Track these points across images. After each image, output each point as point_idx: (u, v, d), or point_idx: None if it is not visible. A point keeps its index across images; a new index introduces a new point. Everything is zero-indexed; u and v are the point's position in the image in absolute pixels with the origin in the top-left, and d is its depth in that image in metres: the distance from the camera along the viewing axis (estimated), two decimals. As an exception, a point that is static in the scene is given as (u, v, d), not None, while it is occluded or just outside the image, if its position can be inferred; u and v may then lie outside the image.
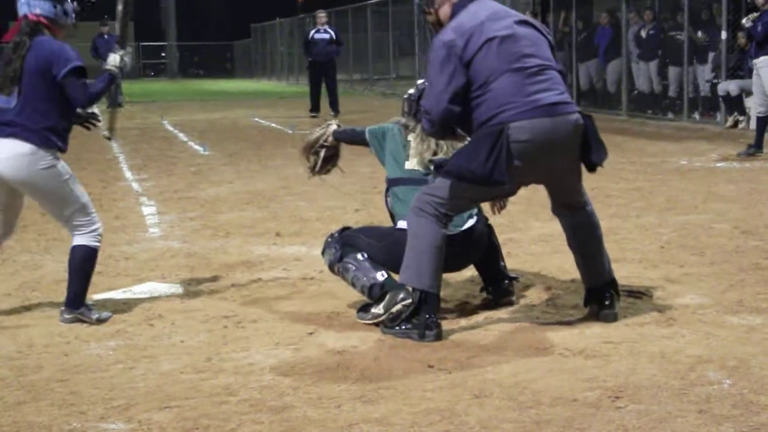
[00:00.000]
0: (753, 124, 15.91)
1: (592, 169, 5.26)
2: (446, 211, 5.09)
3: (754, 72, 12.82)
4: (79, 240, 5.55)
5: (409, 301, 5.08)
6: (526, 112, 4.94)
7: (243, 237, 8.07)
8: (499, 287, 5.71)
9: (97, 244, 5.60)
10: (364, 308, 5.40)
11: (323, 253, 5.70)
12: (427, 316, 5.05)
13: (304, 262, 6.96)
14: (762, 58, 12.55)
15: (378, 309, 5.29)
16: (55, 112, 5.42)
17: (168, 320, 5.57)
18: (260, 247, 7.66)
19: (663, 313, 5.44)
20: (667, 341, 4.94)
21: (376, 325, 5.25)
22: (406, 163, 5.58)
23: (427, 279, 5.07)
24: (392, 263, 5.41)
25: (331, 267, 5.63)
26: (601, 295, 5.37)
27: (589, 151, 5.17)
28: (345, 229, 5.75)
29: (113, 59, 5.64)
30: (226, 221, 8.83)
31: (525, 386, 4.33)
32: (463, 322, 5.35)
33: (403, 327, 5.09)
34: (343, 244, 5.57)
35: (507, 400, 4.17)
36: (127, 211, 9.59)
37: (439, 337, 5.05)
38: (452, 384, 4.39)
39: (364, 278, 5.42)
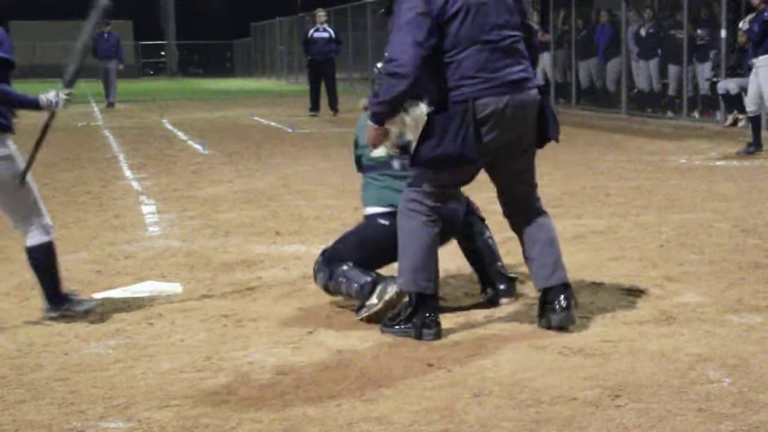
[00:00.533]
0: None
1: (542, 144, 5.23)
2: (432, 202, 5.06)
3: (753, 71, 12.83)
4: (33, 239, 5.49)
5: (399, 291, 5.20)
6: (491, 88, 4.91)
7: (243, 236, 8.07)
8: (497, 288, 5.71)
9: (51, 237, 5.54)
10: (360, 306, 5.42)
11: (315, 279, 5.71)
12: (426, 315, 5.05)
13: (304, 261, 6.96)
14: (761, 57, 12.56)
15: (372, 300, 5.34)
16: None
17: (168, 319, 5.57)
18: (260, 245, 7.66)
19: (662, 312, 5.44)
20: (666, 340, 4.94)
21: (374, 322, 5.28)
22: (373, 151, 5.56)
23: (423, 281, 5.06)
24: (373, 257, 5.51)
25: (326, 289, 5.64)
26: (555, 299, 5.16)
27: (546, 126, 5.16)
28: (325, 250, 5.75)
29: (50, 93, 5.43)
30: (226, 220, 8.83)
31: (525, 385, 4.33)
32: (463, 320, 5.35)
33: (402, 326, 5.09)
34: (328, 262, 5.59)
35: (507, 399, 4.17)
36: (127, 209, 9.59)
37: (438, 335, 5.05)
38: (452, 382, 4.39)
39: (356, 284, 5.44)
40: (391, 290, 5.28)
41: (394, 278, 5.31)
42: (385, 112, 5.02)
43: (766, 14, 12.50)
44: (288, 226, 8.40)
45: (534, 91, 5.09)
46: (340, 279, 5.51)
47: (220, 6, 74.47)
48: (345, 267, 5.51)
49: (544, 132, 5.17)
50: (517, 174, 5.24)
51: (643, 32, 19.47)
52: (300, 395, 4.28)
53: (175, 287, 6.36)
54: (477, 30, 4.93)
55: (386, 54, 5.00)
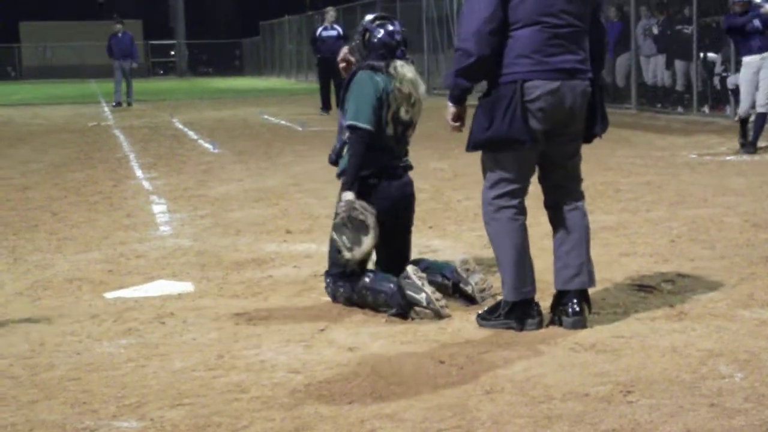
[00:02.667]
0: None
1: (588, 140, 5.25)
2: (513, 185, 5.07)
3: (750, 71, 12.68)
4: None
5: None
6: (542, 72, 4.91)
7: (253, 234, 8.09)
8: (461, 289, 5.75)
9: None
10: (398, 315, 5.40)
11: (335, 298, 5.72)
12: (527, 306, 5.11)
13: (315, 259, 6.97)
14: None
15: (421, 300, 5.35)
16: None
17: (179, 318, 5.58)
18: (271, 244, 7.67)
19: (674, 307, 5.43)
20: (678, 335, 4.94)
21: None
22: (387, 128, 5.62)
23: (525, 287, 5.10)
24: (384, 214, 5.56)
25: (349, 301, 5.63)
26: (569, 302, 5.15)
27: (593, 121, 5.17)
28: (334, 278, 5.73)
29: None
30: (237, 219, 8.84)
31: (536, 381, 4.33)
32: (473, 317, 5.34)
33: (503, 319, 5.12)
34: (343, 277, 5.61)
35: (518, 395, 4.17)
36: (138, 209, 9.61)
37: (541, 324, 5.10)
38: (463, 379, 4.39)
39: (382, 295, 5.45)
40: (415, 276, 5.37)
41: (415, 275, 5.39)
42: (454, 85, 5.03)
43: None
44: (298, 225, 8.41)
45: (585, 83, 5.07)
46: (364, 292, 5.52)
47: (229, 5, 74.52)
48: (366, 279, 5.52)
49: (591, 126, 5.19)
50: (561, 162, 5.22)
51: (655, 30, 19.42)
52: (312, 393, 4.29)
53: (186, 286, 6.37)
54: (540, 8, 4.90)
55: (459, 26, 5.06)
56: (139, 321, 5.54)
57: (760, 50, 12.62)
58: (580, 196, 5.31)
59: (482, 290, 5.65)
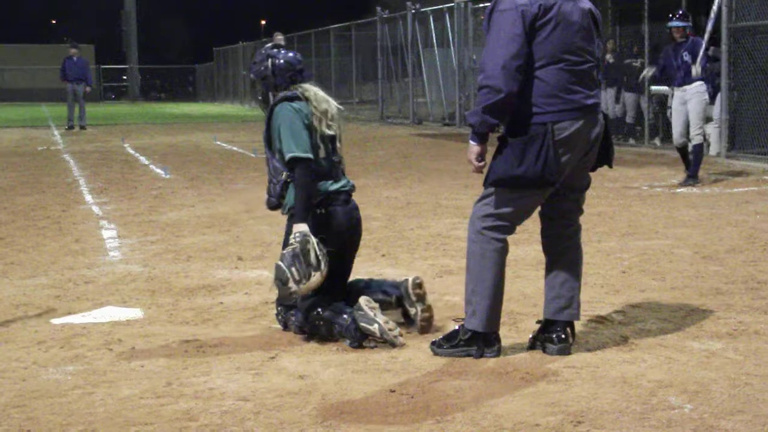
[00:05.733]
0: (712, 150, 16.11)
1: (594, 168, 5.31)
2: (509, 223, 5.09)
3: (677, 100, 12.87)
4: None
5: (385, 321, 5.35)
6: (568, 111, 4.97)
7: (204, 261, 8.03)
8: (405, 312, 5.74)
9: None
10: (354, 340, 5.39)
11: (284, 327, 5.71)
12: (488, 335, 5.12)
13: (266, 286, 6.92)
14: (691, 86, 12.67)
15: (374, 330, 5.32)
16: None
17: (128, 345, 5.52)
18: (222, 270, 7.62)
19: (624, 338, 5.45)
20: (628, 366, 4.95)
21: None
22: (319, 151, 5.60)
23: (495, 320, 5.13)
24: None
25: (302, 330, 5.60)
26: (556, 331, 5.22)
27: (606, 151, 5.26)
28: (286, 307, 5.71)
29: None
30: (188, 245, 8.78)
31: (487, 411, 4.32)
32: (426, 346, 5.33)
33: (462, 347, 5.12)
34: (294, 306, 5.59)
35: (469, 425, 4.16)
36: (87, 234, 9.51)
37: (499, 352, 5.12)
38: (414, 408, 4.37)
39: (336, 327, 5.43)
40: (367, 310, 5.35)
41: (368, 306, 5.38)
42: (481, 122, 4.99)
43: (697, 44, 12.61)
44: (250, 251, 8.37)
45: (601, 116, 5.18)
46: (317, 322, 5.49)
47: (183, 30, 74.39)
48: (320, 310, 5.47)
49: (604, 157, 5.27)
50: (571, 192, 5.27)
51: (609, 58, 19.65)
52: (261, 421, 4.25)
53: (135, 312, 6.31)
54: (562, 46, 4.96)
55: (480, 64, 5.06)
56: (87, 347, 5.47)
57: (684, 83, 12.80)
58: (578, 228, 5.39)
59: (425, 320, 5.63)
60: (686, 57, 12.73)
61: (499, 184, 5.03)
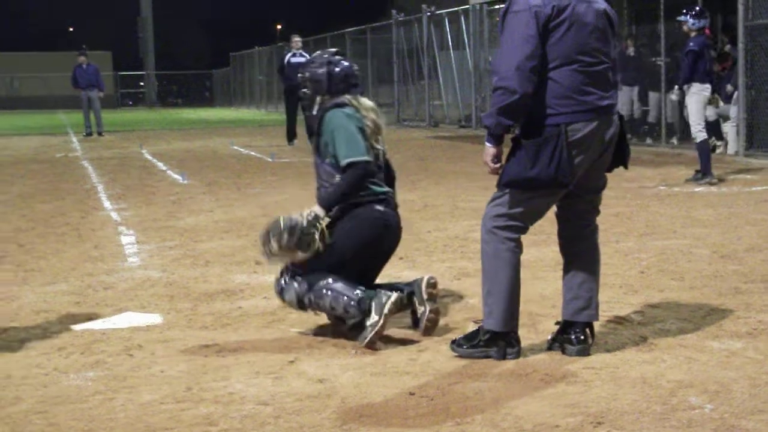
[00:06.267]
0: (730, 149, 16.07)
1: (611, 169, 5.31)
2: (521, 223, 5.09)
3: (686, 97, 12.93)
4: None
5: (397, 301, 5.40)
6: (582, 113, 4.95)
7: (223, 265, 8.05)
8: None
9: None
10: (358, 327, 5.40)
11: (281, 295, 5.67)
12: (508, 336, 5.13)
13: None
14: (693, 85, 12.69)
15: (372, 318, 5.35)
16: None
17: (147, 350, 5.54)
18: (240, 275, 7.63)
19: (644, 339, 5.44)
20: (648, 366, 4.94)
21: (374, 347, 5.33)
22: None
23: (512, 320, 5.12)
24: (355, 249, 5.54)
25: (300, 301, 5.58)
26: (575, 332, 5.23)
27: (622, 152, 5.25)
28: (294, 272, 5.67)
29: None
30: (206, 250, 8.80)
31: (507, 412, 4.32)
32: (444, 348, 5.33)
33: (482, 348, 5.13)
34: (304, 274, 5.56)
35: (489, 427, 4.15)
36: (106, 240, 9.55)
37: (519, 353, 5.12)
38: (434, 411, 4.37)
39: (344, 298, 5.43)
40: (388, 303, 5.35)
41: (382, 290, 5.41)
42: (496, 123, 4.98)
43: (691, 43, 12.61)
44: (268, 256, 8.37)
45: (616, 117, 5.16)
46: (324, 291, 5.46)
47: (200, 36, 74.57)
48: (330, 280, 5.46)
49: (619, 158, 5.25)
50: (590, 192, 5.27)
51: (631, 51, 19.59)
52: (281, 425, 4.26)
53: (154, 318, 6.33)
54: (576, 47, 4.95)
55: (494, 65, 5.07)
56: (107, 353, 5.49)
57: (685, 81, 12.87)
58: (596, 229, 5.38)
59: (431, 321, 5.62)
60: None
61: (513, 185, 5.02)
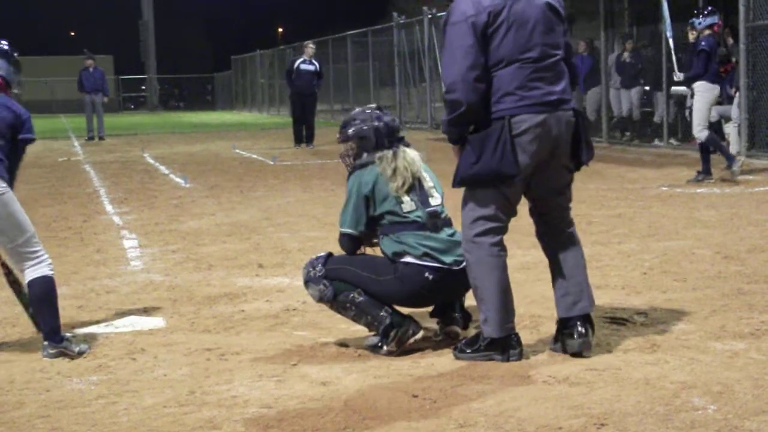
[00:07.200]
0: (732, 150, 16.04)
1: (577, 168, 5.31)
2: (498, 222, 5.10)
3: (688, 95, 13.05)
4: (35, 272, 5.53)
5: (420, 337, 5.39)
6: (527, 106, 4.97)
7: (225, 269, 8.05)
8: (447, 315, 5.67)
9: (53, 272, 5.61)
10: (374, 345, 5.41)
11: (306, 285, 5.56)
12: (509, 337, 5.13)
13: (287, 294, 6.94)
14: (698, 83, 12.76)
15: (390, 347, 5.36)
16: (4, 154, 5.77)
17: (150, 354, 5.54)
18: (243, 278, 7.63)
19: (646, 340, 5.44)
20: (651, 367, 4.94)
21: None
22: (402, 205, 5.46)
23: (508, 323, 5.13)
24: (396, 299, 5.42)
25: (321, 301, 5.53)
26: (574, 326, 5.22)
27: (578, 149, 5.22)
28: (327, 256, 5.60)
29: None
30: (209, 253, 8.80)
31: (510, 415, 4.31)
32: (447, 351, 5.33)
33: (483, 351, 5.13)
34: (333, 279, 5.45)
35: (492, 429, 4.15)
36: (108, 244, 9.55)
37: (521, 354, 5.13)
38: (437, 413, 4.37)
39: (368, 317, 5.40)
40: (414, 336, 5.37)
41: (412, 320, 5.39)
42: (450, 131, 5.10)
43: (703, 43, 12.66)
44: (271, 259, 8.38)
45: (569, 113, 5.15)
46: (348, 305, 5.42)
47: (201, 40, 74.61)
48: (356, 294, 5.41)
49: (578, 155, 5.24)
50: (551, 193, 5.27)
51: (627, 57, 19.59)
52: (284, 429, 4.26)
53: (157, 321, 6.33)
54: (518, 47, 4.98)
55: (442, 73, 5.13)
56: (110, 357, 5.49)
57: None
58: (571, 223, 5.39)
59: (449, 335, 5.61)
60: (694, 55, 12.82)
61: (464, 183, 5.09)
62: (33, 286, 5.54)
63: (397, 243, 5.38)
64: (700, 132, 12.83)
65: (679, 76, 13.15)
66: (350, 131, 5.66)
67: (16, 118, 5.79)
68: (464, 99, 4.93)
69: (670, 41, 13.92)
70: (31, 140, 5.99)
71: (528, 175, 5.09)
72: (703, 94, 12.75)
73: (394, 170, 5.48)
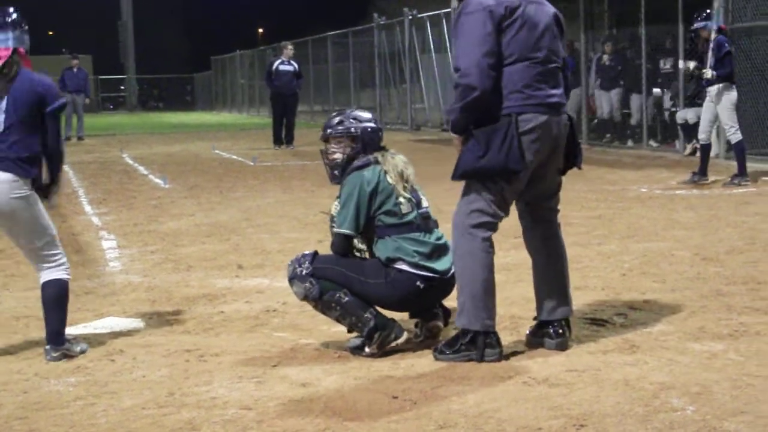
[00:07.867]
0: (711, 152, 16.10)
1: (564, 171, 5.41)
2: (493, 218, 5.14)
3: (707, 99, 13.00)
4: (51, 274, 5.52)
5: (403, 340, 5.38)
6: (533, 105, 5.07)
7: (205, 270, 8.03)
8: (428, 312, 5.64)
9: (69, 276, 5.58)
10: (356, 347, 5.39)
11: (291, 282, 5.48)
12: (487, 338, 5.13)
13: (267, 295, 6.93)
14: (716, 86, 12.75)
15: (372, 348, 5.35)
16: (35, 143, 5.39)
17: (129, 355, 5.52)
18: (222, 279, 7.61)
19: (626, 341, 5.45)
20: (630, 368, 4.95)
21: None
22: (401, 206, 5.44)
23: (486, 318, 5.13)
24: (382, 302, 5.41)
25: (306, 299, 5.45)
26: (553, 329, 5.33)
27: (572, 153, 5.35)
28: (314, 255, 5.54)
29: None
30: (188, 254, 8.78)
31: (490, 416, 4.31)
32: (427, 352, 5.33)
33: (463, 352, 5.13)
34: (319, 278, 5.39)
35: (472, 430, 4.15)
36: (87, 245, 9.51)
37: (501, 355, 5.14)
38: (417, 415, 4.37)
39: (353, 318, 5.36)
40: (397, 339, 5.37)
41: (395, 323, 5.38)
42: (459, 118, 5.12)
43: (726, 44, 12.71)
44: (250, 260, 8.36)
45: (565, 117, 5.27)
46: (333, 305, 5.36)
47: (181, 39, 74.41)
48: (342, 295, 5.34)
49: (570, 159, 5.36)
50: (543, 196, 5.37)
51: (606, 60, 19.65)
52: (264, 430, 4.25)
53: (136, 323, 6.31)
54: (528, 46, 5.09)
55: (455, 62, 5.17)
56: (88, 358, 5.46)
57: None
58: (558, 226, 5.48)
59: (430, 331, 5.60)
60: (710, 58, 12.78)
61: (467, 176, 5.13)
62: (46, 287, 5.52)
63: (394, 248, 5.37)
64: (734, 134, 12.86)
65: (712, 74, 12.91)
66: (354, 129, 5.58)
67: (40, 99, 5.37)
68: (479, 84, 4.99)
69: (711, 42, 13.43)
70: (63, 106, 5.50)
71: (528, 174, 5.16)
72: (730, 94, 12.78)
73: (396, 169, 5.51)
